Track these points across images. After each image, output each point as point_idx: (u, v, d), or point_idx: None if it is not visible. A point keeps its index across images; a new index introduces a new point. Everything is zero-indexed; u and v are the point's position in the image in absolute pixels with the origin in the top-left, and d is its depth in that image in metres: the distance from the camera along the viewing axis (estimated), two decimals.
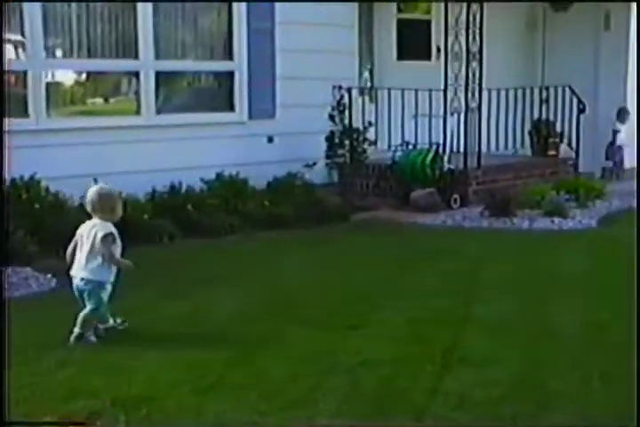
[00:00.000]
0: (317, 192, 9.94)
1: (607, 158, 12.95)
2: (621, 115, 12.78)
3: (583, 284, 7.09)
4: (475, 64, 10.62)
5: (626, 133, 12.85)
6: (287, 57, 10.51)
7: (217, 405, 4.43)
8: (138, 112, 9.64)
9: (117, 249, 5.47)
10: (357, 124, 10.83)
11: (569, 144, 12.13)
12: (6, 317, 5.60)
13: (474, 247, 8.56)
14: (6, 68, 8.29)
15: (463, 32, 10.56)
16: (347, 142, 10.62)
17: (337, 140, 10.60)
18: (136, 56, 9.40)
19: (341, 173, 10.85)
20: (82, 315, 5.39)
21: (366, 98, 11.49)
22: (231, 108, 10.36)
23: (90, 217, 5.51)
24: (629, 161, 12.86)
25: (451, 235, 9.26)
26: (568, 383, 4.82)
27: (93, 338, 5.39)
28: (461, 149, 10.76)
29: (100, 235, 5.37)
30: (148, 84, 9.56)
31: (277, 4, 10.40)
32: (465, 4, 10.47)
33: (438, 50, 11.98)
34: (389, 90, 11.22)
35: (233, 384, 4.74)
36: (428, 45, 12.44)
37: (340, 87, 10.59)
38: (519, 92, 11.52)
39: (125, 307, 5.77)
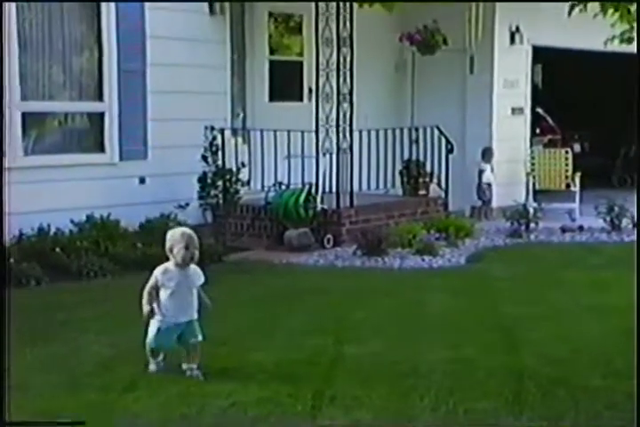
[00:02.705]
0: None
1: (479, 197, 13.27)
2: (486, 155, 13.15)
3: (450, 321, 7.22)
4: (345, 105, 10.79)
5: (492, 173, 13.20)
6: (159, 98, 10.49)
7: None
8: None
9: None
10: (230, 164, 10.84)
11: (438, 183, 12.39)
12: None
13: (346, 286, 8.64)
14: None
15: (334, 73, 10.74)
16: (219, 183, 10.60)
17: (210, 181, 10.57)
18: (0, 96, 9.23)
19: (215, 213, 10.82)
20: None
21: (239, 139, 11.54)
22: (102, 149, 10.26)
23: None
24: (498, 200, 13.21)
25: (323, 274, 9.32)
26: (435, 421, 4.89)
27: None
28: (334, 189, 10.89)
29: None
30: (13, 126, 9.37)
31: (148, 46, 10.39)
32: (335, 46, 10.66)
33: (310, 91, 12.14)
34: (262, 131, 11.30)
35: None
36: (300, 86, 12.58)
37: (213, 128, 10.60)
38: (389, 133, 11.75)
39: None
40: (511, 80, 13.53)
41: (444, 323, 7.13)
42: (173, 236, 5.57)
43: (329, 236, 10.68)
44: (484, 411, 4.99)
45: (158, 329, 5.60)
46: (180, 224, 9.92)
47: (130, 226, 9.74)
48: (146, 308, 5.58)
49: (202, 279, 5.65)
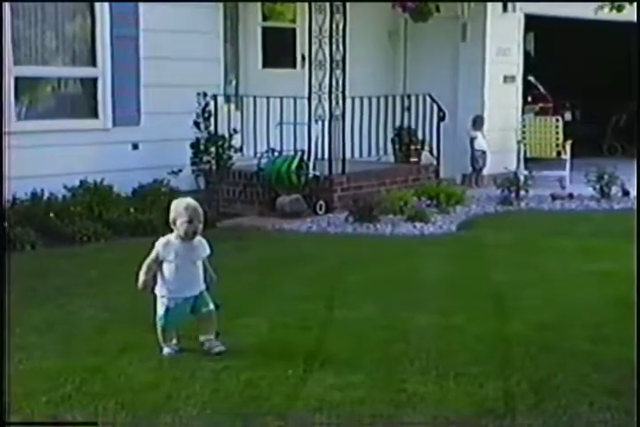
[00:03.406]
0: None
1: (472, 165, 13.31)
2: (476, 123, 13.17)
3: (441, 287, 7.30)
4: (338, 72, 10.80)
5: (484, 140, 13.24)
6: (152, 64, 10.48)
7: (73, 413, 4.41)
8: None
9: None
10: (223, 131, 10.86)
11: (430, 151, 12.43)
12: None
13: (338, 252, 8.70)
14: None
15: (327, 40, 10.73)
16: (212, 149, 10.63)
17: (202, 148, 10.59)
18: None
19: (208, 179, 10.86)
20: None
21: (232, 105, 11.54)
22: (95, 114, 10.27)
23: None
24: (489, 167, 13.26)
25: (315, 240, 9.38)
26: (424, 384, 4.97)
27: None
28: (326, 156, 10.92)
29: None
30: (7, 90, 9.37)
31: (142, 11, 10.36)
32: (328, 13, 10.64)
33: (303, 58, 12.13)
34: (255, 97, 11.30)
35: (91, 393, 4.72)
36: (293, 53, 12.56)
37: (206, 94, 10.59)
38: (382, 100, 11.77)
39: None
40: (503, 48, 13.54)
41: (435, 289, 7.21)
42: (177, 208, 5.33)
43: (321, 202, 10.74)
44: (473, 375, 5.07)
45: (167, 308, 5.38)
46: (172, 190, 10.01)
47: (123, 191, 9.78)
48: (142, 278, 5.39)
49: (207, 251, 5.46)
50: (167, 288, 5.39)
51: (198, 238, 5.43)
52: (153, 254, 5.41)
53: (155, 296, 5.47)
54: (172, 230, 5.42)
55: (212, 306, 5.47)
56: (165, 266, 5.38)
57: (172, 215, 5.35)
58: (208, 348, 5.39)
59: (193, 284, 5.44)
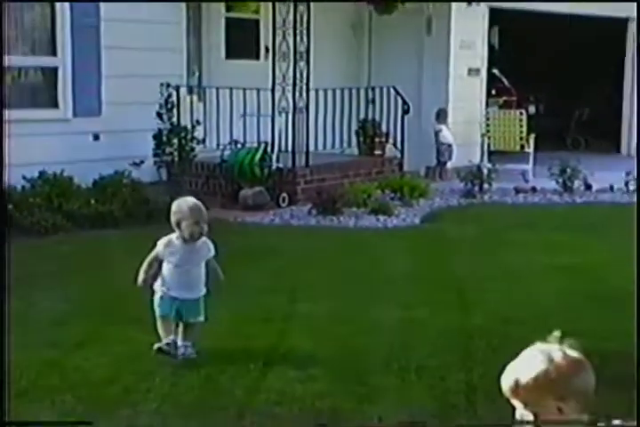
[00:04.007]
0: (145, 191, 9.82)
1: (437, 158, 13.31)
2: (440, 115, 13.17)
3: (403, 280, 7.28)
4: (302, 64, 10.73)
5: (450, 133, 13.23)
6: (113, 54, 10.35)
7: (31, 409, 4.34)
8: None
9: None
10: (186, 122, 10.76)
11: (394, 144, 12.42)
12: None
13: (301, 245, 8.66)
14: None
15: (291, 32, 10.67)
16: (175, 141, 10.53)
17: (165, 139, 10.49)
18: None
19: (170, 171, 10.76)
20: None
21: (194, 96, 11.44)
22: (55, 104, 10.14)
23: None
24: (453, 161, 13.26)
25: (278, 233, 9.33)
26: (386, 377, 4.95)
27: None
28: (290, 148, 10.87)
29: None
30: None
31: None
32: (292, 5, 10.57)
33: (267, 49, 12.05)
34: (218, 89, 11.21)
35: (48, 387, 4.65)
36: (256, 45, 12.48)
37: (169, 85, 10.49)
38: (346, 93, 11.72)
39: None
40: (468, 41, 13.54)
41: (397, 282, 7.18)
42: (180, 209, 5.15)
43: (284, 195, 10.68)
44: (435, 367, 5.06)
45: (161, 297, 5.22)
46: (133, 182, 9.90)
47: (83, 183, 9.66)
48: (141, 276, 5.20)
49: (212, 252, 5.28)
50: (165, 287, 5.21)
51: (203, 239, 5.24)
52: (153, 253, 5.25)
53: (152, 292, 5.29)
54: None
55: (202, 318, 5.26)
56: (165, 265, 5.23)
57: (175, 217, 5.15)
58: (182, 353, 5.16)
59: (192, 287, 5.25)
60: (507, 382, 2.38)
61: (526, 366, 2.38)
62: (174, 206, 5.21)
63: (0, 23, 7.91)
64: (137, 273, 5.27)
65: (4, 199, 7.27)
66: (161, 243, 5.23)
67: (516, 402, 2.38)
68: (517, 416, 2.37)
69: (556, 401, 2.32)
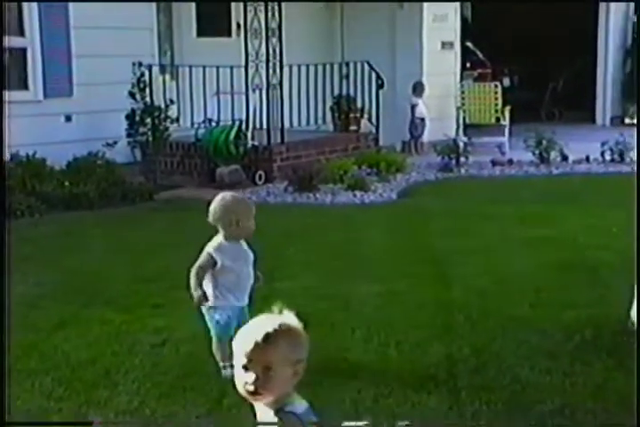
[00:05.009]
0: (120, 171, 9.76)
1: (410, 132, 13.28)
2: (417, 89, 13.12)
3: (381, 255, 7.28)
4: (274, 40, 10.66)
5: (425, 107, 13.20)
6: (83, 33, 10.24)
7: (11, 392, 4.30)
8: None
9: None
10: (159, 101, 10.68)
11: (369, 119, 12.37)
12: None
13: (278, 223, 8.60)
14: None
15: (262, 8, 10.57)
16: (148, 120, 10.45)
17: (138, 119, 10.40)
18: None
19: (144, 151, 10.68)
20: None
21: (167, 75, 11.35)
22: (25, 86, 10.04)
23: None
24: (429, 135, 13.24)
25: (255, 211, 9.25)
26: (366, 352, 4.94)
27: None
28: (265, 126, 10.81)
29: None
30: None
31: None
32: None
33: (238, 26, 11.95)
34: (190, 67, 11.12)
35: (27, 370, 4.61)
36: (228, 22, 12.37)
37: (141, 64, 10.40)
38: (320, 68, 11.66)
39: None
40: (440, 14, 13.48)
41: (375, 258, 7.18)
42: (236, 208, 4.70)
43: (260, 172, 10.64)
44: (415, 342, 5.06)
45: (217, 322, 4.63)
46: (108, 163, 9.83)
47: (57, 165, 9.58)
48: (197, 293, 4.59)
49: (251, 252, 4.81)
50: (222, 296, 4.65)
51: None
52: (202, 261, 4.65)
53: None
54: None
55: None
56: (219, 271, 4.64)
57: (231, 216, 4.65)
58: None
59: (248, 289, 4.78)
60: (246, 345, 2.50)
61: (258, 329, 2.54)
62: (222, 206, 4.71)
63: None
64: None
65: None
66: (211, 248, 4.65)
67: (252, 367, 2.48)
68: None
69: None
